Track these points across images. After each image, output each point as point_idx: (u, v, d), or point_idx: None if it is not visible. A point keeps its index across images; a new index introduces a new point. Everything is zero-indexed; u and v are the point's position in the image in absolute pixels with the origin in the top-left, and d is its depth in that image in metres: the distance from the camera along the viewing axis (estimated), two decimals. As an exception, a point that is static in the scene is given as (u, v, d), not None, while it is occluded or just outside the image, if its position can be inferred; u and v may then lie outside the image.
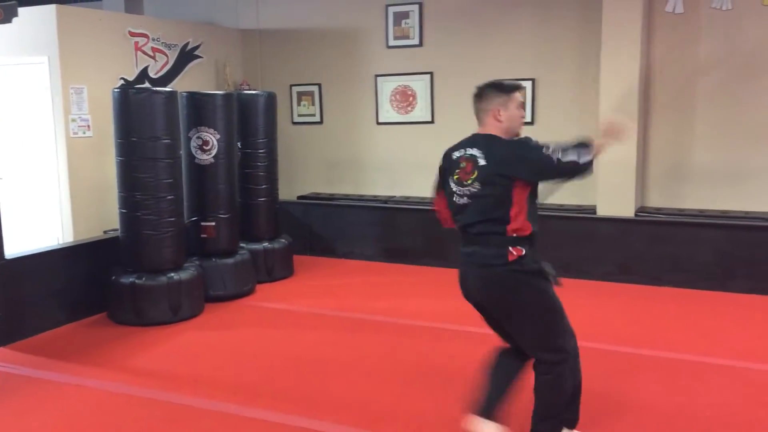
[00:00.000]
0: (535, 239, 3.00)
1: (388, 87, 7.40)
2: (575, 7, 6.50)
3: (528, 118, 6.76)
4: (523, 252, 2.93)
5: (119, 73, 6.41)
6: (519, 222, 2.93)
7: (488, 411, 3.07)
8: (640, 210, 6.28)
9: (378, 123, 7.51)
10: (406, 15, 7.22)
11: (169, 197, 5.23)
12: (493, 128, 3.03)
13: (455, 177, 3.03)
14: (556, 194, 6.67)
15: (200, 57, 7.33)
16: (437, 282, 6.15)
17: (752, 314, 5.20)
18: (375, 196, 7.47)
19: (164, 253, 5.23)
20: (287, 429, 3.48)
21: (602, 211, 6.31)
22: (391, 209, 7.14)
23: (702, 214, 6.08)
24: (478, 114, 3.08)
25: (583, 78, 6.53)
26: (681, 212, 6.18)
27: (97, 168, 6.11)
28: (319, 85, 7.74)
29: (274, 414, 3.64)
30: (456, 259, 3.14)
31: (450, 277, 3.45)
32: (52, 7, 5.84)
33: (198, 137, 5.66)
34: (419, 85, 7.25)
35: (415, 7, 7.15)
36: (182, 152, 5.57)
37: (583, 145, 2.94)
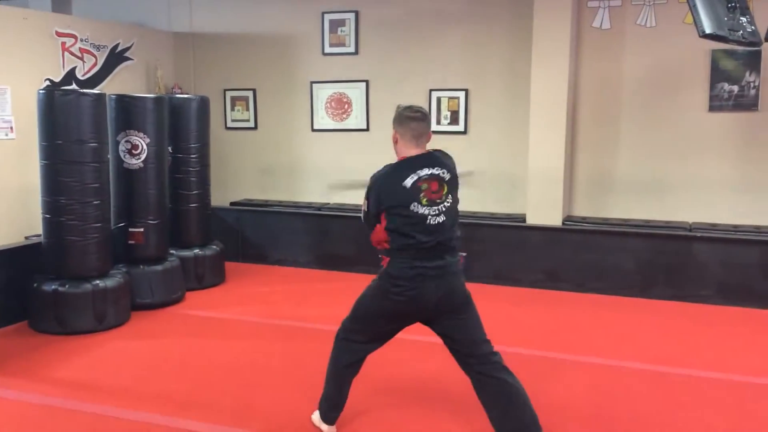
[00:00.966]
0: None
1: (323, 94, 7.40)
2: (507, 20, 6.65)
3: (461, 128, 6.89)
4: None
5: (45, 74, 6.21)
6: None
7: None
8: (567, 219, 6.46)
9: (313, 130, 7.50)
10: (342, 23, 7.25)
11: (96, 202, 5.09)
12: (426, 147, 3.22)
13: (423, 201, 3.08)
14: (487, 203, 6.87)
15: (131, 59, 7.17)
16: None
17: (671, 321, 5.41)
18: (309, 203, 7.46)
19: (89, 259, 5.08)
20: (215, 439, 3.44)
21: (531, 220, 6.46)
22: (325, 216, 7.14)
23: (626, 223, 6.30)
24: (421, 134, 3.19)
25: (513, 89, 6.68)
26: (606, 221, 6.39)
27: (19, 171, 5.90)
28: (254, 90, 7.69)
29: (202, 425, 3.58)
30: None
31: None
32: (-28, 4, 5.63)
33: (127, 141, 5.54)
34: (355, 93, 7.28)
35: (351, 15, 7.19)
36: (110, 156, 5.44)
37: None
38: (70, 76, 6.47)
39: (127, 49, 7.12)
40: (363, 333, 3.31)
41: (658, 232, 6.09)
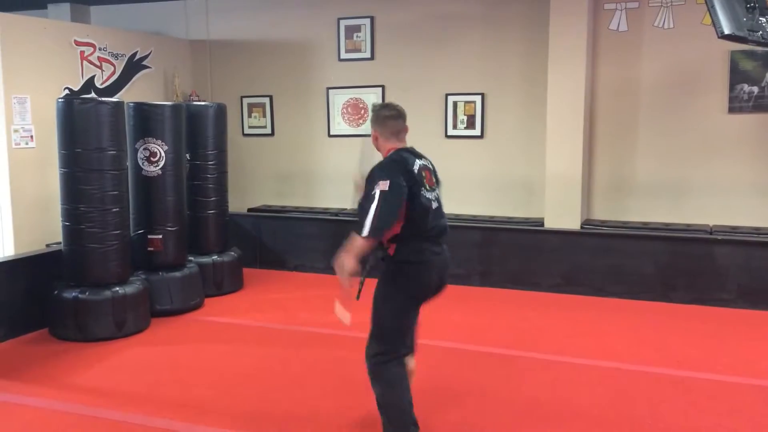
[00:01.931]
0: None
1: (339, 99, 7.42)
2: (523, 24, 6.63)
3: (477, 133, 6.87)
4: None
5: (64, 83, 6.28)
6: None
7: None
8: (586, 222, 6.41)
9: (329, 135, 7.52)
10: (357, 28, 7.26)
11: (115, 209, 5.13)
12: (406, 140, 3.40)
13: (427, 187, 3.24)
14: (505, 208, 6.84)
15: (148, 67, 7.23)
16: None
17: (692, 325, 5.35)
18: (326, 209, 7.47)
19: (109, 266, 5.12)
20: (234, 445, 3.44)
21: (549, 224, 6.42)
22: (343, 222, 7.14)
23: (645, 226, 6.24)
24: (401, 130, 3.37)
25: (530, 93, 6.65)
26: (625, 225, 6.33)
27: (40, 180, 5.97)
28: (271, 96, 7.72)
29: (220, 431, 3.59)
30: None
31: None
32: (-6, 15, 5.71)
33: (145, 148, 5.58)
34: (371, 98, 7.29)
35: (367, 21, 7.20)
36: (129, 164, 5.48)
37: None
38: (89, 84, 6.54)
39: (145, 57, 7.18)
40: (400, 337, 3.25)
41: (678, 235, 6.03)
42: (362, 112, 7.35)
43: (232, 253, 6.48)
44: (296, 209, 7.54)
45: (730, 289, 5.75)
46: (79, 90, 6.42)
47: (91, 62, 6.57)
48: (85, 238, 5.05)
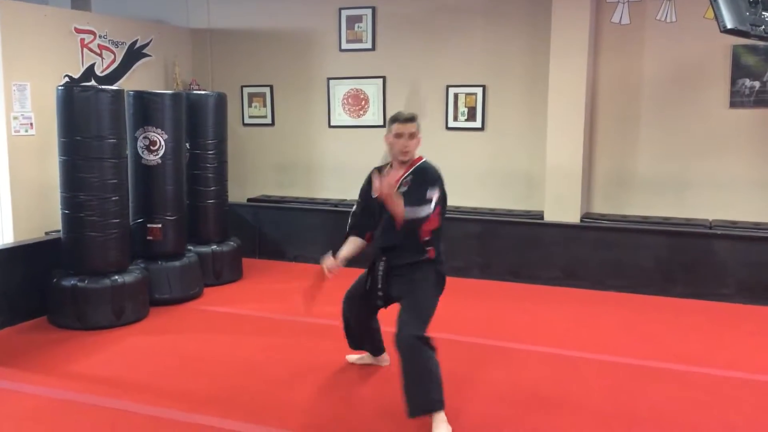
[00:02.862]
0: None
1: (340, 90, 7.40)
2: (525, 16, 6.61)
3: (478, 125, 6.85)
4: None
5: (64, 71, 6.26)
6: None
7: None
8: (586, 216, 6.41)
9: (330, 126, 7.50)
10: (359, 19, 7.23)
11: (114, 198, 5.12)
12: None
13: None
14: (505, 200, 6.83)
15: (149, 55, 7.20)
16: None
17: (691, 319, 5.35)
18: (326, 200, 7.46)
19: (108, 255, 5.11)
20: (232, 435, 3.44)
21: (549, 217, 6.42)
22: (342, 213, 7.12)
23: (645, 220, 6.24)
24: None
25: (531, 85, 6.63)
26: (624, 218, 6.33)
27: (39, 167, 5.95)
28: (271, 86, 7.69)
29: (220, 420, 3.59)
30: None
31: (398, 281, 3.45)
32: (-7, 2, 5.68)
33: (145, 137, 5.56)
34: (372, 89, 7.27)
35: (368, 11, 7.17)
36: (128, 152, 5.46)
37: None
38: (89, 72, 6.51)
39: (146, 45, 7.16)
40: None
41: (678, 229, 6.03)
42: (363, 102, 7.34)
43: (232, 242, 6.48)
44: (296, 199, 7.53)
45: (729, 283, 5.75)
46: (79, 78, 6.39)
47: (91, 50, 6.54)
48: (84, 226, 5.04)
